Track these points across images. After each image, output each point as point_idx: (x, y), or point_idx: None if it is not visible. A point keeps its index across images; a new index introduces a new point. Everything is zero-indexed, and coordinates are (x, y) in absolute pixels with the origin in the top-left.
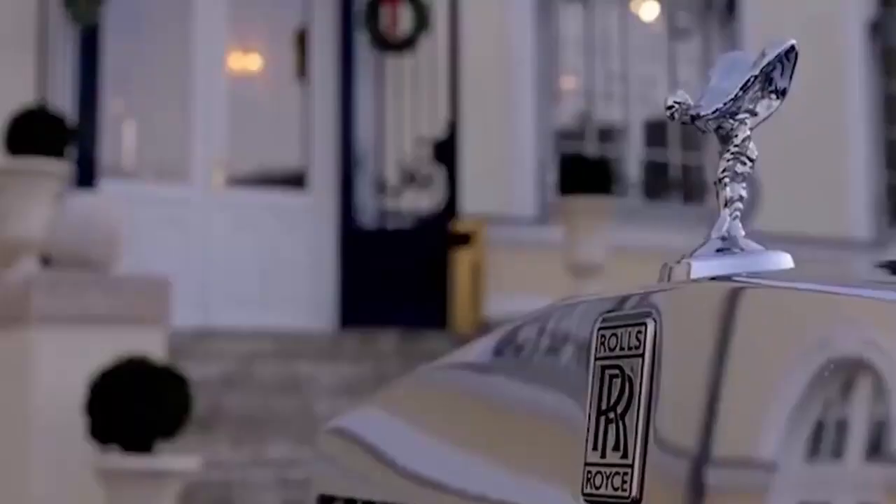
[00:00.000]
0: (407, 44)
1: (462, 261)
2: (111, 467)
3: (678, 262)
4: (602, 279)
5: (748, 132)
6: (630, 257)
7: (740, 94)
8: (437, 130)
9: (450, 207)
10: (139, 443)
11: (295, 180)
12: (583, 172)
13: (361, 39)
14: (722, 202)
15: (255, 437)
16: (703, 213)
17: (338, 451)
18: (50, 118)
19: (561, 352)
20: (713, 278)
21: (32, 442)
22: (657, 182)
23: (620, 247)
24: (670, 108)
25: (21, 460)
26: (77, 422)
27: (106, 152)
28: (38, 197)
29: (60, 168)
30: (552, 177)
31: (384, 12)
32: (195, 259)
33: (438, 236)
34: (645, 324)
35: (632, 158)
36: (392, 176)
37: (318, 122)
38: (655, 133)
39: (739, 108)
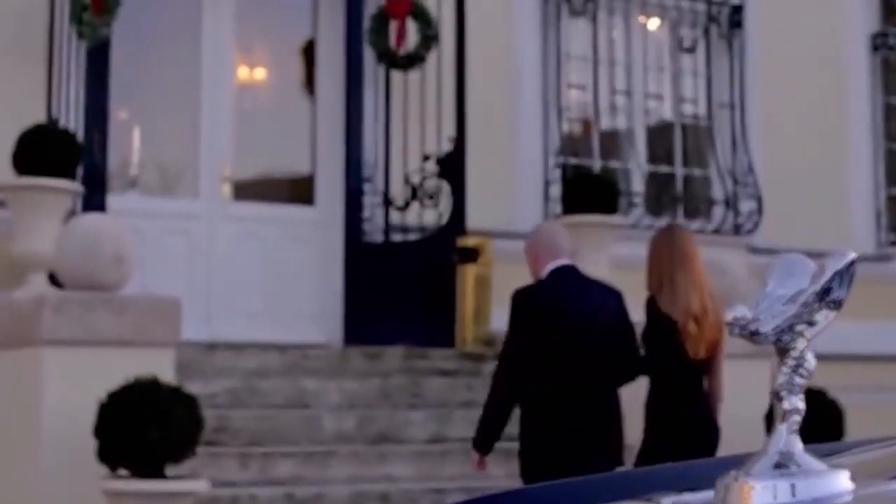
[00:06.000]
0: (413, 59)
1: (468, 277)
2: (120, 490)
3: (735, 478)
4: None
5: (806, 342)
6: (632, 271)
7: (800, 309)
8: (443, 146)
9: (455, 223)
10: (149, 467)
11: (301, 194)
12: (587, 189)
13: (368, 54)
14: (779, 416)
15: (262, 454)
16: (706, 229)
17: None
18: (60, 135)
19: None
20: None
21: (42, 463)
22: (661, 196)
23: (623, 261)
24: (730, 323)
25: (30, 481)
26: (87, 443)
27: (113, 166)
28: (48, 215)
29: (70, 186)
30: (557, 192)
31: (391, 28)
32: (201, 272)
33: (444, 252)
34: None
35: (635, 173)
36: (398, 191)
37: (324, 135)
38: (660, 147)
39: (799, 320)
